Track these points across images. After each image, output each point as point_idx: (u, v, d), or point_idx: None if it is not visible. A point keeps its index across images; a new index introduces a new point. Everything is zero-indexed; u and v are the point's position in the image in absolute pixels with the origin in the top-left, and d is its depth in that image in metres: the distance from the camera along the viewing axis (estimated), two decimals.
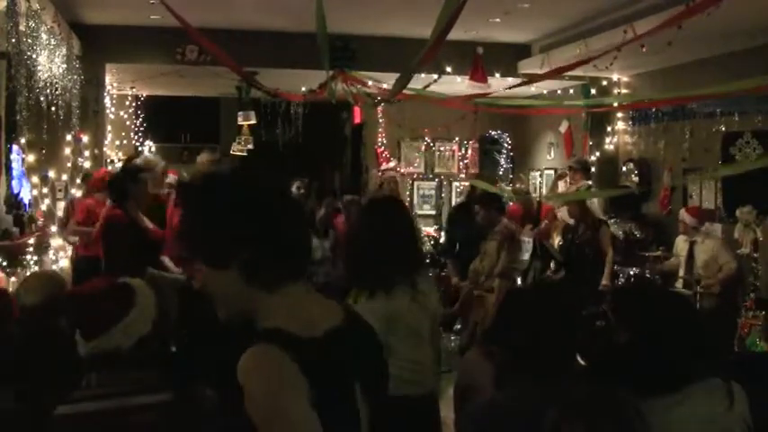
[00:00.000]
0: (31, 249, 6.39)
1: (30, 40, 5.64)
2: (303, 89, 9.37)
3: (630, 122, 9.19)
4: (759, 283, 6.50)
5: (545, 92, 10.35)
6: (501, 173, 11.38)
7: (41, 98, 6.11)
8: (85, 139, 8.60)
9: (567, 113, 9.86)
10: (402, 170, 11.24)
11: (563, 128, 9.97)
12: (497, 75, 8.76)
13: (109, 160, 9.68)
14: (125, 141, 11.22)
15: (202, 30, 6.82)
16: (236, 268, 1.57)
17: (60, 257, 7.36)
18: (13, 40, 5.17)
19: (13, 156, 6.86)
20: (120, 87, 10.57)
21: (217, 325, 1.69)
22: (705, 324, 2.76)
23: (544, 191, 10.34)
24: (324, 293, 1.74)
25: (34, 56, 5.76)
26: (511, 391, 2.11)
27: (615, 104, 8.50)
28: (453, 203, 11.41)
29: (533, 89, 10.01)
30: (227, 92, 10.63)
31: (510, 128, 11.54)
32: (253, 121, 10.22)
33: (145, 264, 4.76)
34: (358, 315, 1.76)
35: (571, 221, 7.28)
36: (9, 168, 6.80)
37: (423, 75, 7.81)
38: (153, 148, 12.28)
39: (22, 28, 5.39)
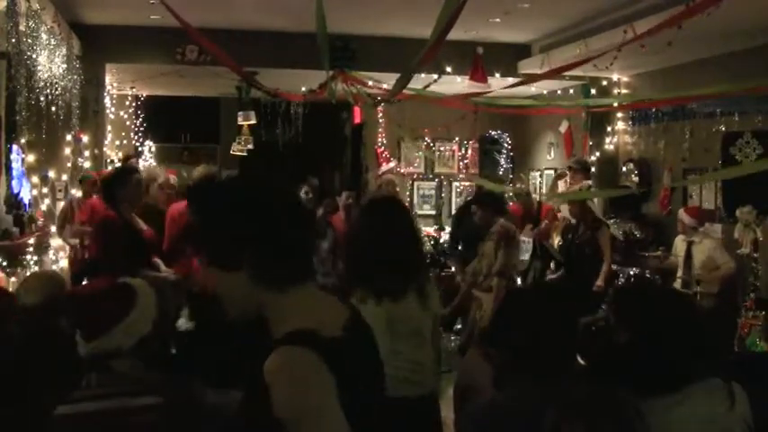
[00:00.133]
0: (31, 249, 6.39)
1: (30, 40, 5.64)
2: (303, 89, 9.37)
3: (630, 122, 9.19)
4: (759, 283, 6.50)
5: (545, 92, 10.36)
6: (501, 173, 11.37)
7: (41, 98, 6.11)
8: (85, 139, 8.60)
9: (567, 113, 9.86)
10: (402, 170, 11.25)
11: (563, 128, 9.97)
12: (497, 75, 8.76)
13: (109, 160, 9.68)
14: (125, 141, 11.23)
15: (202, 30, 6.82)
16: (246, 269, 1.58)
17: (60, 257, 7.37)
18: (13, 40, 5.17)
19: (13, 156, 6.87)
20: (120, 87, 10.57)
21: (219, 325, 1.69)
22: (705, 324, 2.75)
23: (544, 191, 10.34)
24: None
25: (34, 56, 5.76)
26: (511, 392, 2.11)
27: (615, 104, 8.51)
28: (453, 203, 11.43)
29: (533, 89, 10.02)
30: (227, 92, 10.63)
31: (510, 128, 11.54)
32: (253, 121, 10.22)
33: (138, 265, 4.77)
34: (360, 314, 1.77)
35: (573, 220, 7.28)
36: (9, 168, 6.80)
37: (423, 75, 7.81)
38: (153, 148, 12.29)
39: (22, 28, 5.39)
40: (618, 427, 1.77)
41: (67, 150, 8.18)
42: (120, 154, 10.47)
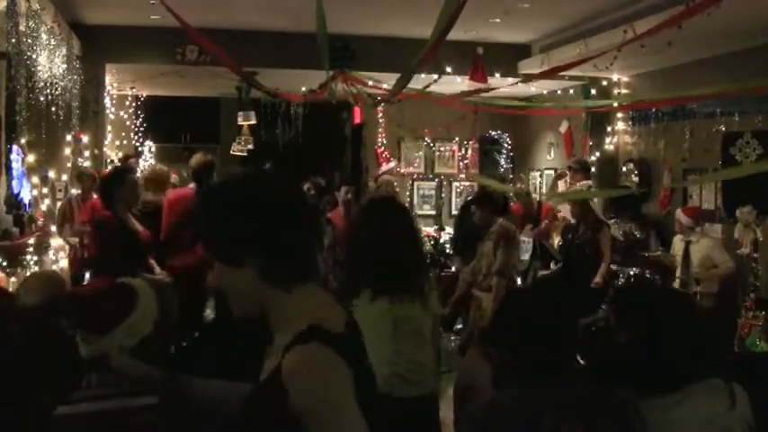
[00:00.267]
0: (31, 249, 6.38)
1: (30, 40, 5.64)
2: (303, 89, 9.37)
3: (630, 122, 9.18)
4: (759, 283, 6.50)
5: (545, 92, 10.36)
6: (501, 173, 11.38)
7: (41, 98, 6.11)
8: (85, 139, 8.59)
9: (567, 113, 9.86)
10: (402, 170, 11.24)
11: (563, 128, 9.97)
12: (497, 75, 8.76)
13: (109, 160, 9.68)
14: (125, 141, 11.22)
15: (202, 30, 6.82)
16: (252, 266, 1.59)
17: (60, 257, 7.36)
18: (13, 40, 5.16)
19: (13, 156, 6.86)
20: (120, 87, 10.57)
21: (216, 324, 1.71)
22: (705, 324, 2.76)
23: (544, 191, 10.34)
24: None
25: (34, 56, 5.76)
26: (511, 391, 2.11)
27: (615, 105, 8.50)
28: (453, 203, 11.43)
29: (533, 89, 10.01)
30: (227, 92, 10.62)
31: (510, 128, 11.54)
32: (253, 122, 10.22)
33: (134, 265, 4.77)
34: (352, 313, 1.78)
35: (573, 220, 7.28)
36: (9, 168, 6.79)
37: (423, 75, 7.81)
38: (153, 149, 12.29)
39: (22, 28, 5.39)
40: (618, 427, 1.77)
41: (67, 150, 8.18)
42: (120, 154, 10.46)
